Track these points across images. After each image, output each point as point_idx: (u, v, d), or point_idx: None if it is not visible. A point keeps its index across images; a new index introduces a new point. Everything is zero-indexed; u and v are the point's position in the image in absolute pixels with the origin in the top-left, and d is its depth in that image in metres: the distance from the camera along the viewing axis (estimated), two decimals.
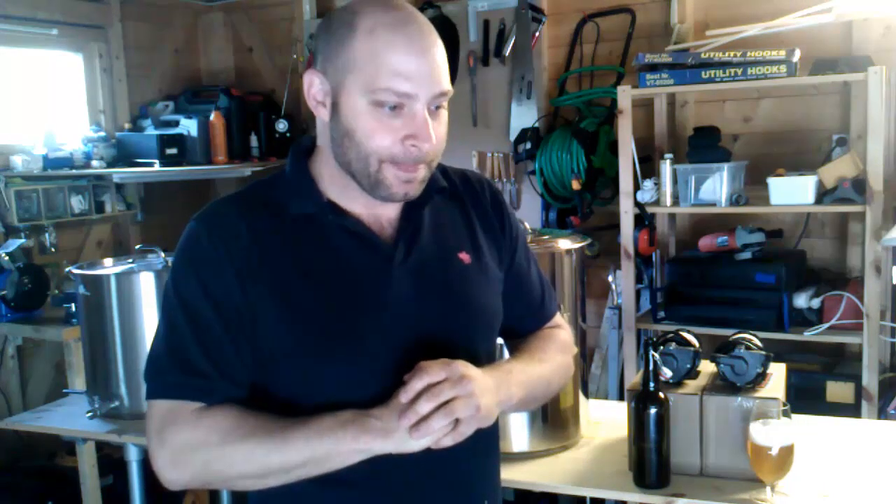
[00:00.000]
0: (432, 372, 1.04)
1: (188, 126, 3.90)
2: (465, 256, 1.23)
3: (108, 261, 2.41)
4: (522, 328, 1.35)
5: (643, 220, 3.17)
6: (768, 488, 1.57)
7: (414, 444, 1.03)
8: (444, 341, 1.16)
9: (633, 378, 1.81)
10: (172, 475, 1.10)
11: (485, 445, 1.24)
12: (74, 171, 3.59)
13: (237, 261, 1.10)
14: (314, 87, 1.14)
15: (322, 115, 1.14)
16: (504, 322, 1.30)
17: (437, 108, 1.11)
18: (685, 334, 1.78)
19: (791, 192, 2.87)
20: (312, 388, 1.12)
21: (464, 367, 1.07)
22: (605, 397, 3.49)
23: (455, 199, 1.27)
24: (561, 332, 1.38)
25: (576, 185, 3.39)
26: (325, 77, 1.12)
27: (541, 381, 1.25)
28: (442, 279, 1.19)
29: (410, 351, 1.13)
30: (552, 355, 1.30)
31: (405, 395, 1.04)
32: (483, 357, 1.21)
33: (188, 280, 1.12)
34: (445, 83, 1.10)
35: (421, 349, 1.13)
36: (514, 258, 1.32)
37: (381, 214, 1.19)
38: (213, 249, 1.11)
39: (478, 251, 1.25)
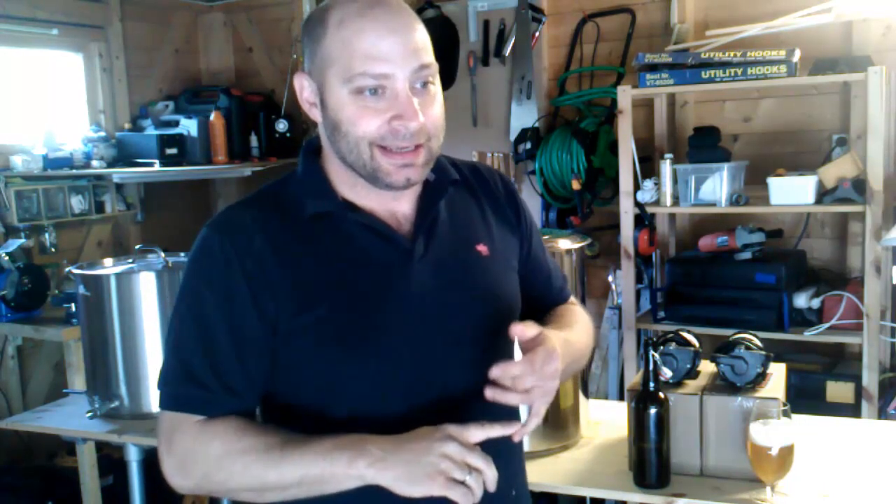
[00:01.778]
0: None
1: (188, 126, 3.90)
2: (482, 248, 1.23)
3: (108, 261, 2.41)
4: (544, 307, 1.35)
5: (643, 220, 3.17)
6: (768, 488, 1.57)
7: (408, 487, 1.00)
8: (467, 333, 1.16)
9: (633, 378, 1.81)
10: (179, 481, 1.11)
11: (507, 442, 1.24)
12: (74, 171, 3.59)
13: (249, 267, 1.10)
14: (305, 90, 1.15)
15: (315, 116, 1.15)
16: (527, 304, 1.29)
17: (425, 85, 1.10)
18: (685, 334, 1.77)
19: (791, 192, 2.87)
20: (336, 391, 1.12)
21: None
22: (605, 397, 3.49)
23: (468, 191, 1.27)
24: (580, 309, 1.39)
25: (576, 185, 3.39)
26: (312, 78, 1.13)
27: (577, 352, 1.26)
28: (462, 272, 1.19)
29: (433, 344, 1.13)
30: (581, 328, 1.31)
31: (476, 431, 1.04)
32: (504, 348, 1.21)
33: (198, 289, 1.12)
34: (424, 57, 1.09)
35: (443, 342, 1.14)
36: (531, 246, 1.33)
37: (397, 210, 1.18)
38: (224, 257, 1.10)
39: (494, 243, 1.25)
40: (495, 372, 1.05)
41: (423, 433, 1.03)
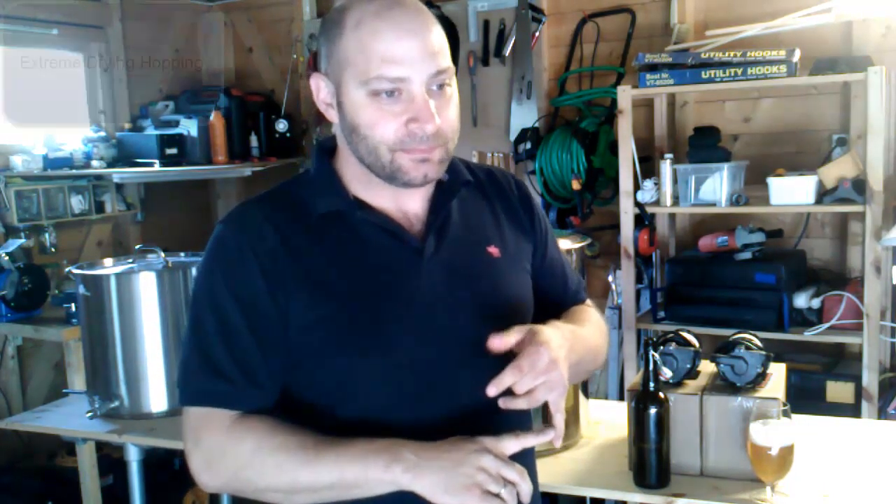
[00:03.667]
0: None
1: (188, 126, 3.90)
2: (493, 250, 1.23)
3: (108, 261, 2.41)
4: (560, 310, 1.35)
5: (643, 220, 3.17)
6: (768, 488, 1.57)
7: (444, 496, 0.99)
8: (476, 333, 1.15)
9: (633, 378, 1.81)
10: (207, 479, 1.10)
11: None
12: (74, 171, 3.59)
13: (264, 262, 1.11)
14: (321, 91, 1.15)
15: (332, 117, 1.15)
16: (542, 307, 1.29)
17: (441, 87, 1.10)
18: (685, 334, 1.77)
19: (791, 192, 2.87)
20: (346, 390, 1.12)
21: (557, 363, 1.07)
22: (605, 397, 3.48)
23: (481, 193, 1.27)
24: (594, 311, 1.39)
25: (576, 185, 3.39)
26: (329, 79, 1.13)
27: (589, 346, 1.25)
28: (472, 272, 1.19)
29: (442, 343, 1.13)
30: (593, 327, 1.31)
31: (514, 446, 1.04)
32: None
33: (215, 283, 1.12)
34: (442, 61, 1.09)
35: (453, 343, 1.14)
36: (546, 250, 1.33)
37: (409, 210, 1.19)
38: (240, 252, 1.11)
39: (505, 245, 1.25)
40: (491, 391, 1.04)
41: (458, 443, 1.03)
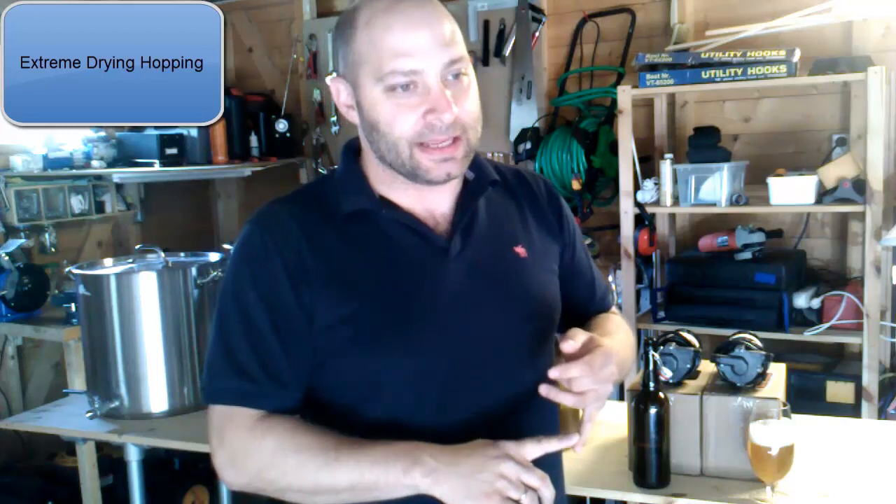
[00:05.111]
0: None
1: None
2: (520, 250, 1.22)
3: (108, 261, 2.42)
4: (585, 314, 1.35)
5: (643, 220, 3.17)
6: (768, 488, 1.57)
7: (463, 501, 0.99)
8: (502, 333, 1.16)
9: (633, 378, 1.81)
10: (231, 476, 1.11)
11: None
12: (74, 171, 3.58)
13: (290, 261, 1.11)
14: (341, 93, 1.15)
15: (353, 118, 1.16)
16: (568, 311, 1.29)
17: (458, 77, 1.10)
18: (685, 334, 1.77)
19: (791, 192, 2.87)
20: (370, 390, 1.12)
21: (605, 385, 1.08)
22: None
23: (508, 193, 1.27)
24: (621, 319, 1.38)
25: (576, 185, 3.39)
26: (346, 81, 1.13)
27: (621, 362, 1.23)
28: (498, 272, 1.19)
29: (468, 342, 1.13)
30: (623, 339, 1.30)
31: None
32: (540, 351, 1.20)
33: (241, 282, 1.13)
34: (455, 50, 1.09)
35: (478, 342, 1.14)
36: (574, 253, 1.33)
37: (435, 209, 1.18)
38: (265, 251, 1.12)
39: (532, 245, 1.25)
40: (554, 373, 1.04)
41: (479, 448, 1.03)
